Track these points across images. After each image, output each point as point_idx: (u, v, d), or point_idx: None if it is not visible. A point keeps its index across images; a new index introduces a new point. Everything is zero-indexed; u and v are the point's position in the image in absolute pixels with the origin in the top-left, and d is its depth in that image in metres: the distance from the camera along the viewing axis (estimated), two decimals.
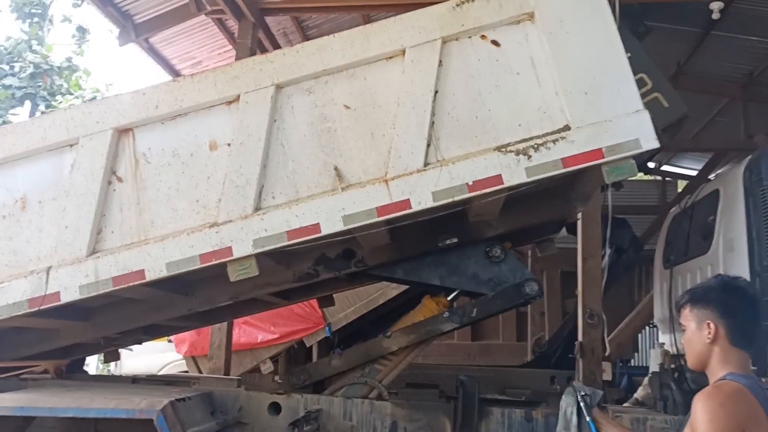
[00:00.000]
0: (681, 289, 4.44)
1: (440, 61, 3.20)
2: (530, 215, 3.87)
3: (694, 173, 10.82)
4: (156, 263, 3.16)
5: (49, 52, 15.98)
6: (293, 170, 3.24)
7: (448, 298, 4.04)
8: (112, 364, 6.09)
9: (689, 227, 4.73)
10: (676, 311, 2.15)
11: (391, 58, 3.25)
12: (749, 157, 4.35)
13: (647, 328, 7.16)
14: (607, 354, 4.41)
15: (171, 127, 3.32)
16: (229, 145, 3.27)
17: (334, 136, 3.24)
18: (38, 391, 3.74)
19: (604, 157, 3.03)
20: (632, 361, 8.68)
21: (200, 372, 7.08)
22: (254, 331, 6.79)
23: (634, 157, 3.05)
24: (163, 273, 3.16)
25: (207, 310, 4.26)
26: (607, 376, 4.52)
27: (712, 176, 8.72)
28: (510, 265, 3.87)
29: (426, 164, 3.12)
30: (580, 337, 4.24)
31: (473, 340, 8.54)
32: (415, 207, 3.10)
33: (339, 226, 3.13)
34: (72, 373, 4.59)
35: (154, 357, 7.61)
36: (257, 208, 3.18)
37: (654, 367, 3.95)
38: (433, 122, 3.16)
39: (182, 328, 4.63)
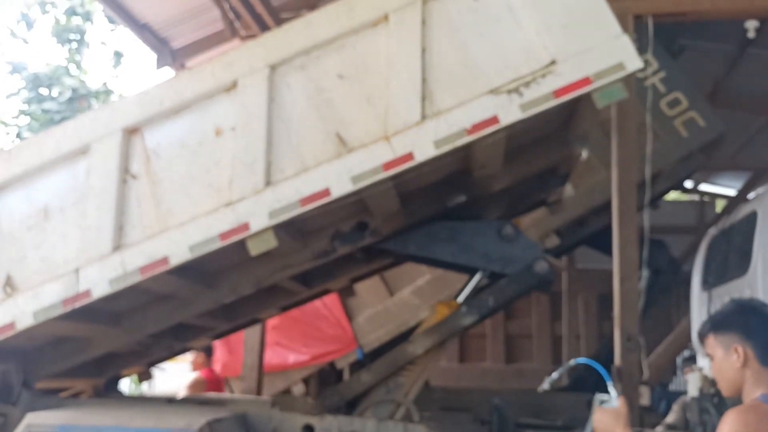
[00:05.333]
0: None
1: (423, 21, 3.34)
2: (532, 163, 3.99)
3: (733, 192, 10.55)
4: (179, 248, 3.27)
5: (87, 76, 16.44)
6: (297, 143, 3.36)
7: (458, 300, 4.11)
8: (145, 384, 6.15)
9: (727, 249, 4.67)
10: (699, 342, 2.15)
11: (376, 24, 3.39)
12: None
13: (685, 351, 6.92)
14: (645, 378, 4.30)
15: (176, 120, 3.46)
16: (233, 129, 3.40)
17: (332, 106, 3.37)
18: (78, 409, 3.81)
19: (592, 83, 3.14)
20: (670, 385, 8.24)
21: (232, 392, 7.13)
22: (286, 352, 6.83)
23: (621, 79, 3.16)
24: (187, 256, 3.26)
25: (232, 307, 4.38)
26: (645, 400, 4.35)
27: (750, 196, 8.54)
28: (522, 244, 3.94)
29: (423, 117, 3.24)
30: (617, 361, 4.13)
31: (507, 363, 8.36)
32: (419, 158, 3.21)
33: (348, 187, 3.23)
34: (108, 392, 4.67)
35: (185, 377, 7.66)
36: (268, 183, 3.29)
37: (692, 391, 3.87)
38: (424, 78, 3.29)
39: (210, 330, 4.70)
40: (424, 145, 3.21)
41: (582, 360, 2.94)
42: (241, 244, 3.37)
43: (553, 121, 3.72)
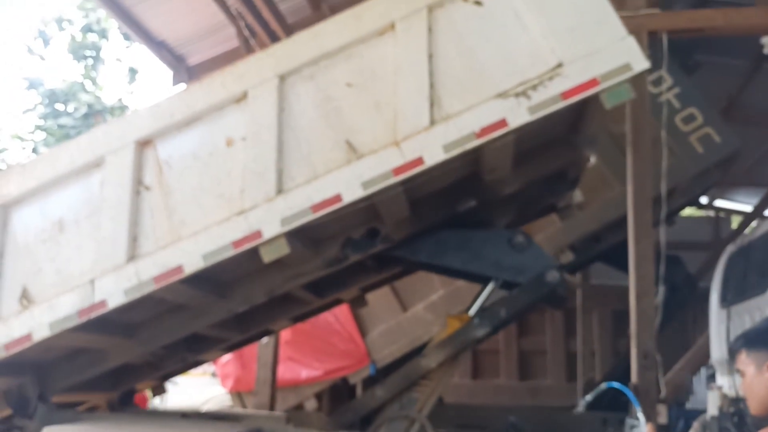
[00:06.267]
0: (738, 329, 4.29)
1: (429, 28, 3.38)
2: (541, 166, 4.00)
3: (748, 208, 10.42)
4: (192, 257, 3.30)
5: (102, 92, 16.66)
6: (308, 151, 3.39)
7: (470, 313, 4.10)
8: (157, 399, 6.15)
9: (746, 266, 4.62)
10: (731, 357, 2.14)
11: (383, 33, 3.44)
12: None
13: (703, 369, 6.82)
14: (662, 396, 4.24)
15: (188, 131, 3.51)
16: (244, 139, 3.45)
17: (341, 114, 3.41)
18: (95, 423, 3.84)
19: (599, 84, 3.17)
20: (687, 403, 8.24)
21: (245, 407, 7.10)
22: (298, 367, 6.81)
23: (628, 80, 3.18)
24: (200, 264, 3.29)
25: (244, 318, 4.39)
26: (663, 419, 4.27)
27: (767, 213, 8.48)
28: (533, 253, 3.93)
29: (432, 122, 3.27)
30: (634, 379, 4.07)
31: (521, 380, 8.26)
32: (429, 162, 3.23)
33: (359, 193, 3.26)
34: (122, 406, 4.68)
35: (197, 392, 7.67)
36: (279, 191, 3.33)
37: (712, 410, 3.82)
38: (432, 83, 3.32)
39: (223, 341, 4.71)
40: (433, 150, 3.23)
41: (614, 384, 2.94)
42: (254, 253, 3.40)
43: (561, 124, 3.74)
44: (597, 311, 8.26)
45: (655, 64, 4.73)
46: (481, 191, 3.91)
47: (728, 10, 5.42)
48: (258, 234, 3.28)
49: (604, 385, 3.44)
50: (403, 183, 3.35)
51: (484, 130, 3.21)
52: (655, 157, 4.51)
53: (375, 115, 3.38)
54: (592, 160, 4.95)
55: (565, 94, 3.18)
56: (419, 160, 3.24)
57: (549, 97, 3.19)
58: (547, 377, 8.29)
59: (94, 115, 15.31)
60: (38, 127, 15.92)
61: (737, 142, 5.88)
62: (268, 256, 3.31)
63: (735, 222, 10.75)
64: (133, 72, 17.22)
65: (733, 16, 4.85)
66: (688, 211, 10.26)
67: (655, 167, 4.49)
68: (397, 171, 3.25)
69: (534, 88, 3.21)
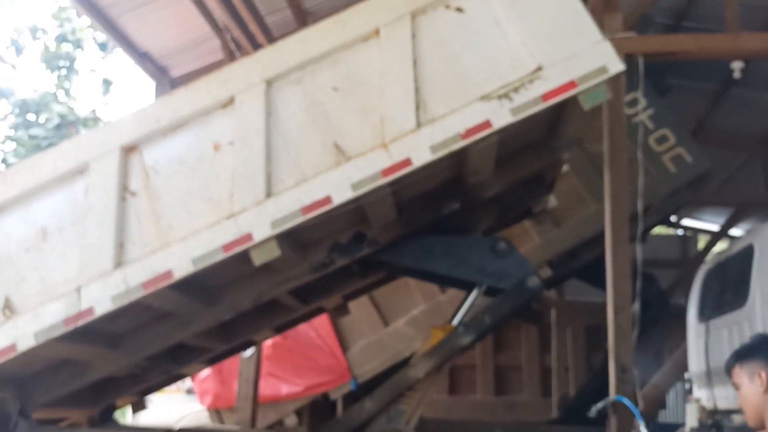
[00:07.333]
0: (717, 343, 4.45)
1: (413, 34, 3.48)
2: (521, 168, 4.12)
3: (715, 227, 10.78)
4: (181, 262, 3.29)
5: (75, 103, 16.24)
6: (296, 155, 3.43)
7: (453, 323, 4.16)
8: (129, 417, 5.99)
9: (724, 281, 4.71)
10: (727, 374, 2.21)
11: (367, 39, 3.52)
12: None
13: (678, 384, 6.96)
14: (640, 410, 4.27)
15: (174, 137, 3.51)
16: (231, 143, 3.46)
17: (328, 118, 3.46)
18: None
19: (578, 87, 3.30)
20: (658, 417, 8.41)
21: (223, 424, 6.97)
22: (279, 383, 6.73)
23: (604, 82, 3.33)
24: (190, 269, 3.28)
25: (228, 327, 4.36)
26: None
27: (740, 232, 8.65)
28: (514, 260, 4.03)
29: (418, 124, 3.35)
30: (612, 393, 4.14)
31: (497, 395, 8.38)
32: (416, 163, 3.31)
33: (349, 194, 3.30)
34: (103, 423, 4.57)
35: (172, 408, 7.49)
36: (269, 194, 3.35)
37: (691, 422, 3.95)
38: (417, 88, 3.41)
39: (207, 352, 4.65)
40: (420, 151, 3.31)
41: (622, 399, 3.02)
42: (242, 258, 3.40)
43: (540, 127, 3.87)
44: (571, 327, 8.40)
45: (631, 86, 4.94)
46: (464, 194, 4.00)
47: (700, 36, 5.69)
48: (248, 237, 3.29)
49: (614, 397, 3.50)
50: (391, 184, 3.41)
51: (469, 132, 3.30)
52: (631, 176, 4.65)
53: (362, 118, 3.44)
54: (566, 168, 5.11)
55: (546, 96, 3.30)
56: (407, 161, 3.31)
57: (530, 99, 3.30)
58: (523, 392, 8.37)
59: (66, 126, 15.01)
60: (9, 138, 15.49)
61: (708, 162, 6.12)
62: (259, 258, 3.31)
63: (702, 241, 11.07)
64: (107, 83, 16.95)
65: (705, 41, 5.05)
66: (656, 230, 10.56)
67: (631, 185, 4.63)
68: (386, 172, 3.31)
69: (516, 90, 3.32)
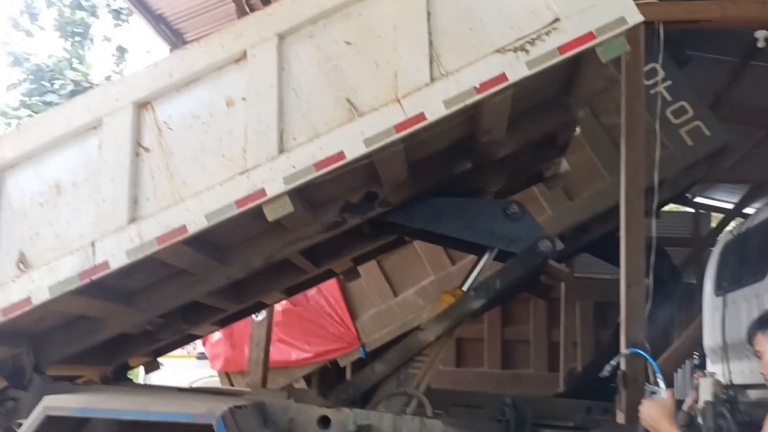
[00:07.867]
0: (734, 316, 4.37)
1: None
2: (535, 127, 4.06)
3: (728, 206, 10.58)
4: (195, 216, 3.29)
5: (89, 70, 16.25)
6: (309, 110, 3.40)
7: (463, 288, 4.11)
8: (141, 378, 6.06)
9: (743, 254, 4.66)
10: (749, 342, 2.21)
11: None
12: None
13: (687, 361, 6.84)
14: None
15: (186, 92, 3.48)
16: (244, 99, 3.44)
17: (341, 72, 3.42)
18: (95, 393, 3.76)
19: (596, 38, 3.24)
20: None
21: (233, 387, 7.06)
22: (288, 349, 6.80)
23: (623, 33, 3.26)
24: (204, 224, 3.28)
25: (240, 287, 4.38)
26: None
27: (754, 211, 8.43)
28: (526, 224, 3.97)
29: (432, 78, 3.30)
30: (623, 367, 4.10)
31: (504, 368, 8.44)
32: (430, 118, 3.27)
33: (362, 149, 3.28)
34: (117, 381, 4.63)
35: (184, 374, 7.59)
36: (282, 150, 3.33)
37: (706, 396, 3.97)
38: (431, 41, 3.36)
39: (220, 312, 4.68)
40: (434, 105, 3.27)
41: (635, 350, 2.97)
42: (255, 216, 3.40)
43: (555, 84, 3.81)
44: (579, 303, 8.42)
45: (650, 56, 4.82)
46: (477, 153, 3.96)
47: (725, 3, 5.49)
48: (262, 192, 3.28)
49: (627, 351, 3.43)
50: (404, 140, 3.37)
51: (484, 85, 3.26)
52: (647, 149, 4.56)
53: (375, 72, 3.40)
54: (578, 131, 5.03)
55: (563, 48, 3.25)
56: (421, 116, 3.27)
57: (547, 52, 3.25)
58: (530, 366, 8.43)
59: (80, 92, 15.05)
60: (23, 104, 15.51)
61: (726, 136, 6.01)
62: (272, 214, 3.31)
63: (714, 220, 10.90)
64: (121, 51, 16.90)
65: (730, 8, 4.84)
66: (668, 207, 10.48)
67: (647, 158, 4.54)
68: (399, 127, 3.27)
69: (532, 42, 3.26)
